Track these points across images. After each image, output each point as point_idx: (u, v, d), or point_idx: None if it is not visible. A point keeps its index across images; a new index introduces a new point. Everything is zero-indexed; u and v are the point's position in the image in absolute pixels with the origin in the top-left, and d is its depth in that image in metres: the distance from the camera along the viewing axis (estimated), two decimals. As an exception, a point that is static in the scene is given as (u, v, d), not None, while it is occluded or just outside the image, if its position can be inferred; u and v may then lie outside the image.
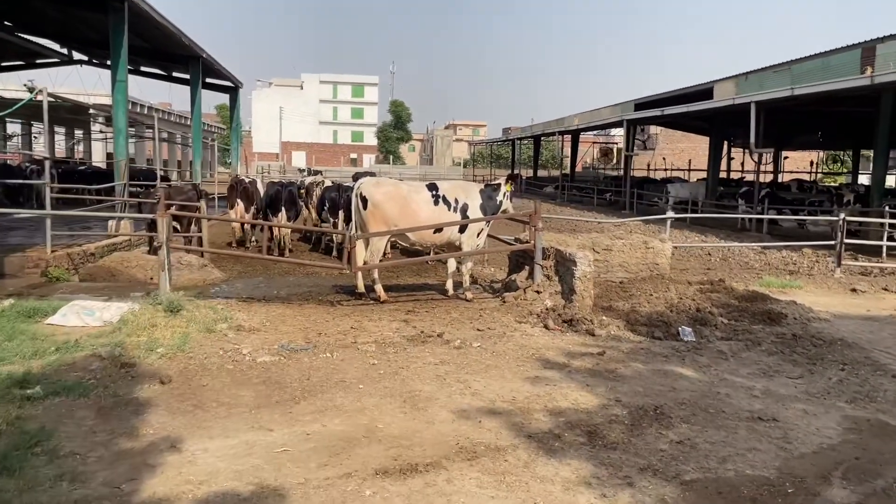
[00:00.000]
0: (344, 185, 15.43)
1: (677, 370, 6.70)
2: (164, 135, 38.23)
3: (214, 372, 5.96)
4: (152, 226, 10.86)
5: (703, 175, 41.26)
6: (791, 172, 44.77)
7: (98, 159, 37.64)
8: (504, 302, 9.48)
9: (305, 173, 40.81)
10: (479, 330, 7.93)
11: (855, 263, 14.54)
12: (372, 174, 23.86)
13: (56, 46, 24.94)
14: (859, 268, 14.33)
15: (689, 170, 47.56)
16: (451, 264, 10.32)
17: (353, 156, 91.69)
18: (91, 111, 29.37)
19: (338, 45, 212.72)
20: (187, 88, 25.46)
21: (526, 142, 55.79)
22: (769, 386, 6.30)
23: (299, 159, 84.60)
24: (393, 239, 10.16)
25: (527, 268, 10.27)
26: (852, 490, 4.24)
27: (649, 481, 4.21)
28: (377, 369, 6.26)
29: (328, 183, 16.82)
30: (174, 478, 4.00)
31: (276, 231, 14.96)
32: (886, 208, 17.55)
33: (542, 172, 58.54)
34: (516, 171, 49.23)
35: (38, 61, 26.80)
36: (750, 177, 43.93)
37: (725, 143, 36.66)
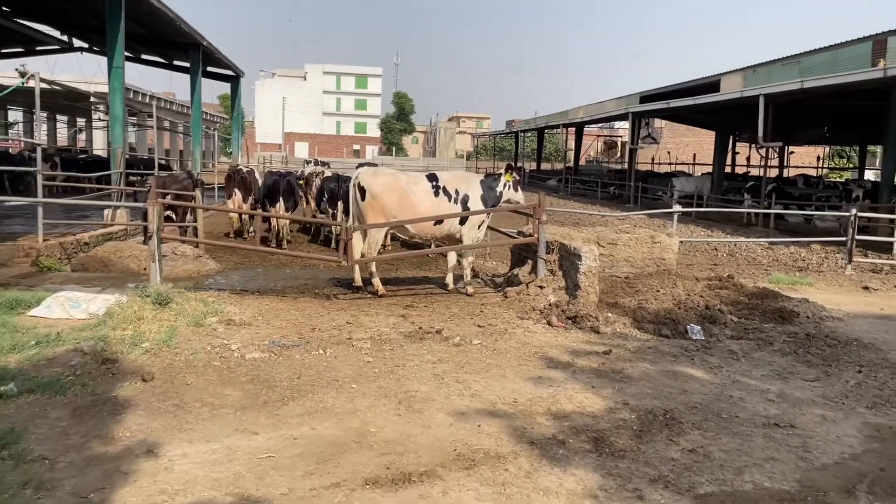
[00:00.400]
0: (343, 176, 15.11)
1: (687, 371, 6.39)
2: (167, 124, 37.97)
3: (200, 369, 5.66)
4: (147, 215, 10.54)
5: (708, 169, 40.93)
6: (796, 167, 44.36)
7: (99, 147, 37.35)
8: (506, 297, 9.17)
9: (312, 164, 40.40)
10: (479, 326, 7.62)
11: (865, 260, 14.21)
12: (375, 165, 23.54)
13: (56, 33, 24.60)
14: (870, 265, 14.00)
15: (694, 164, 47.15)
16: (452, 257, 10.01)
17: (356, 147, 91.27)
18: (92, 99, 29.10)
19: (342, 36, 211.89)
20: (190, 78, 25.11)
21: (529, 134, 55.44)
22: (784, 389, 5.99)
23: (302, 150, 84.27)
24: (392, 231, 9.83)
25: (530, 262, 9.96)
26: (879, 505, 3.95)
27: (661, 494, 3.91)
28: (372, 367, 5.96)
29: (328, 173, 16.51)
30: (148, 487, 3.71)
31: (273, 221, 14.66)
32: (897, 204, 17.18)
33: (545, 165, 58.16)
34: (519, 164, 48.91)
35: (38, 48, 26.45)
36: (755, 171, 43.68)
37: (731, 137, 36.22)
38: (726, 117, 29.67)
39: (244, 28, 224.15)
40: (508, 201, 10.24)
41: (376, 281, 9.45)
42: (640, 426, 4.90)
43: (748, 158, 46.70)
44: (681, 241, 12.52)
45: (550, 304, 8.45)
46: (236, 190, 15.48)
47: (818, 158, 47.11)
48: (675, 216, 14.55)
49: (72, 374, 5.34)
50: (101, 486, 3.70)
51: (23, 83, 11.72)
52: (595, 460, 4.31)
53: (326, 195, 14.84)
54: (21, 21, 21.47)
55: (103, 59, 27.25)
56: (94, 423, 4.50)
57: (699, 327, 7.95)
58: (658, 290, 9.31)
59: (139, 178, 20.31)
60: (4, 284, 8.96)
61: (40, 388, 4.98)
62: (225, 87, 33.68)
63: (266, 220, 15.27)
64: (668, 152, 53.52)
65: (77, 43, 25.71)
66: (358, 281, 9.56)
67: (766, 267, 14.27)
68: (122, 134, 16.00)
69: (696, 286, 9.84)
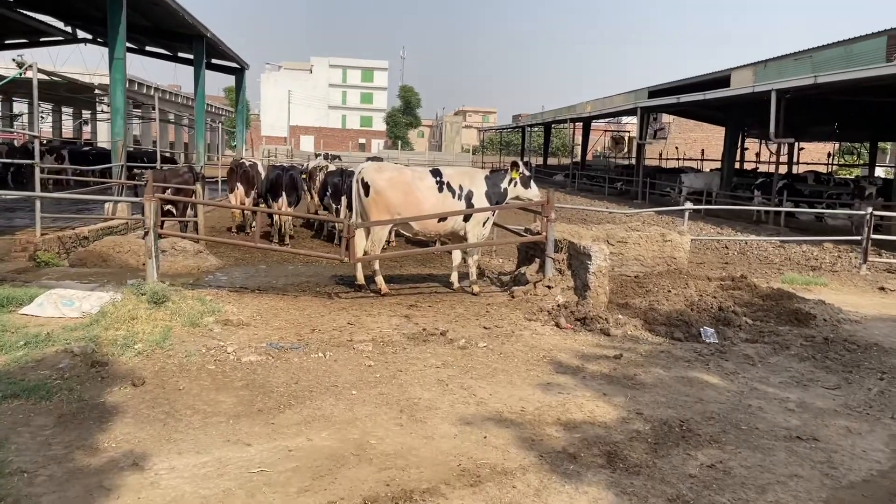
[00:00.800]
0: (347, 170, 14.84)
1: (702, 377, 6.12)
2: (171, 116, 37.78)
3: (193, 373, 5.42)
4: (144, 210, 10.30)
5: (716, 165, 40.52)
6: (806, 164, 43.90)
7: (104, 140, 37.13)
8: (513, 297, 8.90)
9: (321, 158, 40.04)
10: (485, 328, 7.36)
11: (880, 260, 13.90)
12: (380, 159, 23.25)
13: (60, 24, 24.37)
14: (884, 264, 13.67)
15: (702, 160, 46.71)
16: (457, 255, 9.75)
17: (362, 141, 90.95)
18: (96, 91, 28.89)
19: (348, 30, 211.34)
20: (194, 70, 24.86)
21: (536, 129, 55.00)
22: (804, 397, 5.72)
23: (307, 143, 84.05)
24: (395, 227, 9.58)
25: (537, 260, 9.69)
26: (914, 530, 3.68)
27: (679, 516, 3.65)
28: (373, 372, 5.71)
29: (332, 167, 16.26)
30: (131, 504, 3.47)
31: (276, 217, 14.41)
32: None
33: (551, 160, 57.78)
34: (525, 159, 48.52)
35: (41, 39, 26.23)
36: (764, 168, 43.23)
37: (741, 133, 35.79)
38: (736, 113, 29.25)
39: (250, 21, 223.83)
40: (517, 198, 9.93)
41: (379, 279, 9.19)
42: (656, 438, 4.64)
43: (757, 154, 46.24)
44: (692, 239, 12.23)
45: (559, 305, 8.19)
46: (238, 184, 15.23)
47: (829, 155, 46.58)
48: (686, 214, 14.21)
49: (59, 377, 5.11)
50: (80, 503, 3.46)
51: (20, 74, 11.46)
52: (609, 477, 4.05)
53: (330, 190, 14.58)
54: (24, 11, 21.25)
55: (107, 51, 27.09)
56: (78, 433, 4.26)
57: (713, 330, 7.68)
58: (669, 291, 9.05)
59: (141, 171, 20.09)
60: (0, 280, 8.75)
61: (25, 392, 4.75)
62: (230, 80, 33.36)
63: (269, 214, 15.03)
64: (677, 148, 53.07)
65: (81, 34, 25.45)
66: (360, 279, 9.31)
67: (779, 266, 13.96)
68: (124, 126, 15.76)
69: (708, 286, 9.56)
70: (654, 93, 34.99)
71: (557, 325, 7.64)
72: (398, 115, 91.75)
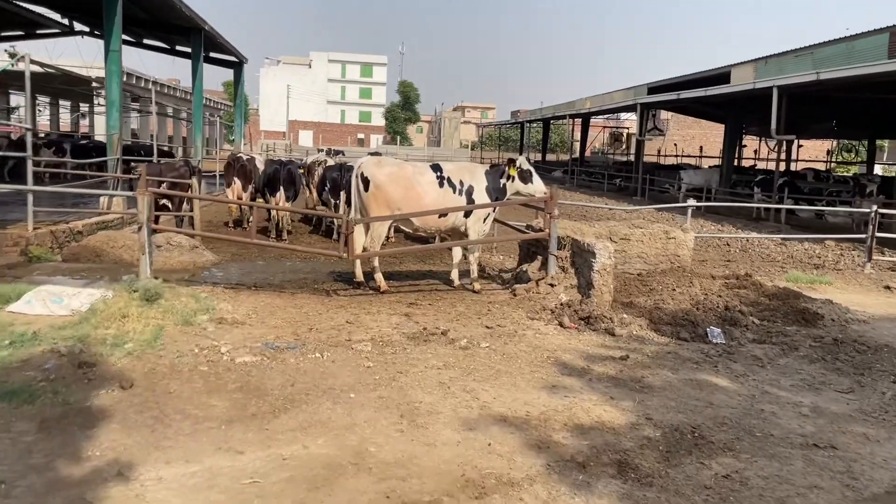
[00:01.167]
0: (346, 165, 14.63)
1: (711, 380, 5.93)
2: (169, 110, 37.42)
3: (185, 375, 5.21)
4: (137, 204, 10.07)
5: (715, 162, 40.37)
6: (804, 161, 43.74)
7: (101, 133, 36.77)
8: (515, 295, 8.70)
9: (324, 153, 39.57)
10: (487, 327, 7.15)
11: (884, 258, 13.71)
12: (379, 154, 22.99)
13: (57, 16, 24.07)
14: (888, 262, 13.50)
15: (701, 156, 46.57)
16: (457, 252, 9.54)
17: (361, 136, 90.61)
18: (94, 84, 28.56)
19: (347, 25, 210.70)
20: (192, 63, 24.56)
21: (535, 125, 54.75)
22: (818, 402, 5.53)
23: (306, 138, 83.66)
24: (395, 223, 9.36)
25: (539, 257, 9.49)
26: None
27: (696, 531, 3.46)
28: (372, 374, 5.50)
29: (330, 162, 16.04)
30: (114, 518, 3.27)
31: (273, 211, 14.19)
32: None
33: (550, 157, 57.52)
34: (525, 154, 48.27)
35: (38, 31, 25.93)
36: (762, 165, 43.05)
37: (740, 130, 35.61)
38: (736, 110, 29.07)
39: (249, 15, 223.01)
40: (517, 193, 9.67)
41: (378, 276, 8.99)
42: (667, 446, 4.44)
43: (755, 152, 46.08)
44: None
45: (562, 304, 7.99)
46: (236, 178, 15.00)
47: (828, 153, 46.44)
48: (689, 211, 14.02)
49: (45, 379, 4.89)
50: (61, 516, 3.26)
51: (12, 65, 11.22)
52: (620, 488, 3.86)
53: (329, 185, 14.37)
54: (20, 3, 20.96)
55: (104, 44, 26.80)
56: (62, 439, 4.05)
57: (719, 330, 7.50)
58: (674, 289, 8.86)
59: (136, 165, 19.82)
60: (-13, 276, 8.53)
61: (7, 395, 4.54)
62: (229, 74, 33.23)
63: (267, 209, 14.81)
64: (675, 144, 52.89)
65: (78, 26, 25.15)
66: (359, 276, 9.10)
67: (782, 264, 13.79)
68: (120, 119, 15.52)
69: (713, 285, 9.38)
70: (654, 89, 34.78)
71: (561, 324, 7.45)
72: (397, 111, 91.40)
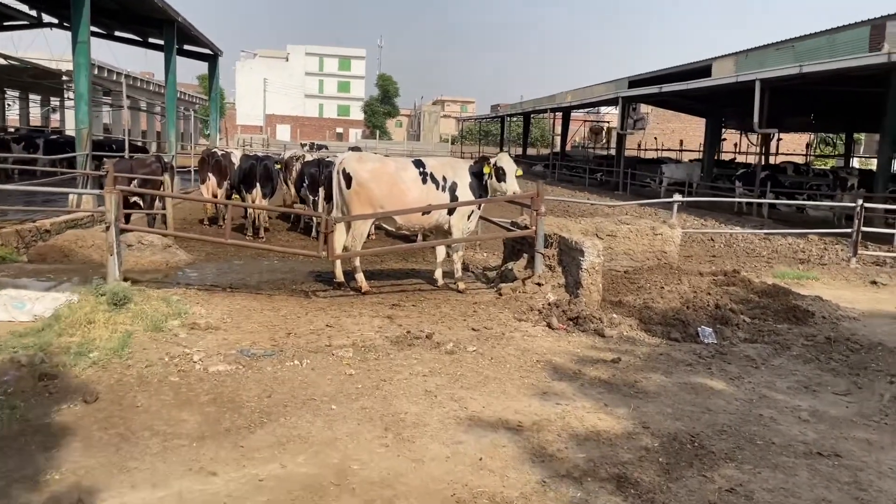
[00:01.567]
0: (325, 161, 14.29)
1: (706, 383, 5.73)
2: (142, 104, 36.71)
3: (154, 386, 4.88)
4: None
5: (695, 155, 40.42)
6: (783, 155, 44.00)
7: (72, 127, 35.94)
8: (500, 295, 8.45)
9: (307, 148, 39.02)
10: (473, 329, 6.89)
11: (868, 252, 13.65)
12: (359, 149, 22.59)
13: (25, 8, 23.36)
14: (872, 257, 13.44)
15: (681, 150, 46.68)
16: (441, 251, 9.25)
17: (340, 130, 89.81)
18: (64, 77, 27.85)
19: (324, 17, 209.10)
20: (165, 56, 23.96)
21: (515, 119, 54.55)
22: (816, 405, 5.35)
23: (284, 133, 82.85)
24: (377, 221, 9.05)
25: (525, 255, 9.25)
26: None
27: (704, 554, 3.23)
28: (354, 382, 5.22)
29: (309, 157, 15.67)
30: (72, 554, 2.96)
31: (250, 209, 13.81)
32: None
33: (531, 151, 57.38)
34: (505, 149, 48.03)
35: (5, 24, 25.18)
36: (742, 158, 43.22)
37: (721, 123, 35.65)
38: (718, 103, 29.05)
39: (224, 7, 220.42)
40: (494, 192, 9.23)
41: (360, 277, 8.69)
42: (667, 457, 4.22)
43: (735, 145, 46.28)
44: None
45: (550, 304, 7.75)
46: (210, 174, 14.58)
47: (807, 146, 46.77)
48: (675, 206, 13.85)
49: (2, 392, 4.55)
50: (12, 553, 2.95)
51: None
52: (620, 506, 3.62)
53: (307, 181, 14.01)
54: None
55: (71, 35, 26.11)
56: (18, 461, 3.73)
57: (711, 329, 7.31)
58: (663, 287, 8.67)
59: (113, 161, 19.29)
60: (-54, 279, 8.11)
61: (-40, 412, 4.20)
62: (204, 67, 32.47)
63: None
64: (655, 138, 52.97)
65: (46, 18, 24.46)
66: (339, 276, 8.80)
67: (767, 259, 13.69)
68: (89, 113, 15.03)
69: (701, 282, 9.20)
70: (635, 82, 34.69)
71: (549, 325, 7.22)
72: (376, 105, 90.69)
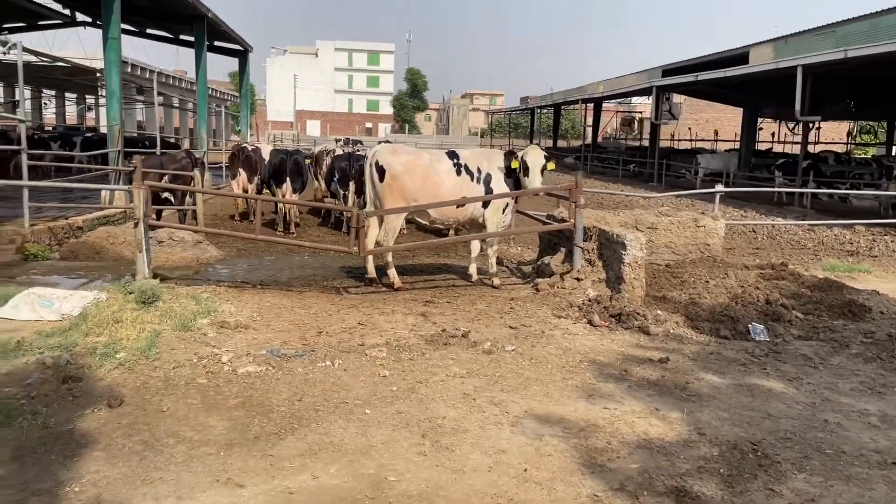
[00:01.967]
0: (356, 155, 14.08)
1: (763, 384, 5.36)
2: (175, 101, 36.93)
3: (181, 389, 4.68)
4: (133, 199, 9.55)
5: (730, 146, 39.48)
6: (822, 144, 42.77)
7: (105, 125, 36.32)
8: (538, 290, 8.13)
9: (341, 143, 38.92)
10: (511, 327, 6.60)
11: (920, 243, 13.05)
12: (389, 143, 22.38)
13: (59, 7, 23.59)
14: (923, 248, 12.84)
15: (716, 140, 45.67)
16: (475, 245, 8.94)
17: (369, 125, 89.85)
18: (98, 75, 28.05)
19: (354, 13, 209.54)
20: (195, 52, 24.02)
21: (545, 111, 53.89)
22: (885, 409, 4.96)
23: (314, 128, 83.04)
24: (410, 215, 8.78)
25: (562, 249, 8.91)
26: None
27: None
28: (389, 384, 4.96)
29: (339, 151, 15.49)
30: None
31: (280, 204, 13.66)
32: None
33: (561, 143, 56.69)
34: (536, 141, 47.48)
35: (40, 23, 25.47)
36: (779, 148, 42.12)
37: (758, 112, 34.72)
38: (755, 92, 28.22)
39: (255, 3, 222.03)
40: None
41: (392, 272, 8.43)
42: (728, 468, 3.89)
43: (774, 134, 45.14)
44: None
45: (590, 300, 7.42)
46: (241, 170, 14.49)
47: (848, 134, 45.39)
48: (717, 197, 13.36)
49: (26, 396, 4.39)
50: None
51: (4, 53, 10.70)
52: (682, 525, 3.31)
53: (337, 175, 13.83)
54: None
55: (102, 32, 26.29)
56: (37, 471, 3.54)
57: (762, 326, 6.91)
58: (708, 282, 8.28)
59: (142, 157, 19.34)
60: (-23, 277, 8.05)
61: (-19, 417, 4.04)
62: (235, 65, 32.47)
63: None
64: (689, 128, 51.92)
65: (80, 17, 24.68)
66: (371, 272, 8.56)
67: (814, 251, 13.15)
68: (120, 110, 15.00)
69: (748, 276, 8.77)
70: (668, 71, 33.96)
71: (590, 322, 6.89)
72: (405, 99, 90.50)
